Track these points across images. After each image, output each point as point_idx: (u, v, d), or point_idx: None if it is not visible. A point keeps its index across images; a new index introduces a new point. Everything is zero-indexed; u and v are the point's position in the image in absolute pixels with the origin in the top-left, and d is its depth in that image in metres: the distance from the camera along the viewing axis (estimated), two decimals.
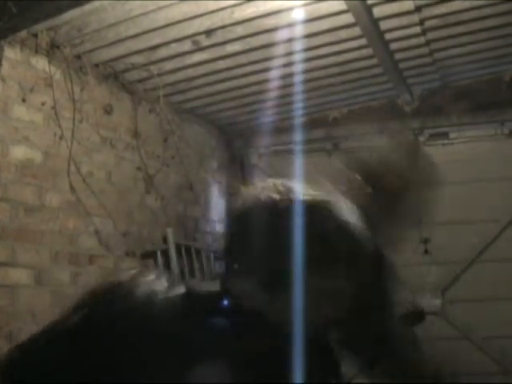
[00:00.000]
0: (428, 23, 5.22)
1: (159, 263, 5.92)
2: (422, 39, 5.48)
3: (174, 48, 5.12)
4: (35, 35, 4.65)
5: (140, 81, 5.67)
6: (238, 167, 7.57)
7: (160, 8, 4.49)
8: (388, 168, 2.42)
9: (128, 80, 5.61)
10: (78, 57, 5.02)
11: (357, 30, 5.09)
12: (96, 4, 4.28)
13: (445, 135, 7.00)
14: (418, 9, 4.93)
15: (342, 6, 4.66)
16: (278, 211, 1.64)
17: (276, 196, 1.68)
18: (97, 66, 5.26)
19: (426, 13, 5.03)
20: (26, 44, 4.61)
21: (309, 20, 4.83)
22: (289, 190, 1.71)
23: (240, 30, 4.93)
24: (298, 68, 5.40)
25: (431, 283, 6.88)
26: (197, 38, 4.98)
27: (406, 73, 6.28)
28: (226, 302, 1.71)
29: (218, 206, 7.25)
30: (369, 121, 7.01)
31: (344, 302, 1.64)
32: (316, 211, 1.66)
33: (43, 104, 4.74)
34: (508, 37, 5.67)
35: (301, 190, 1.72)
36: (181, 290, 1.74)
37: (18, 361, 1.81)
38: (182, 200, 6.50)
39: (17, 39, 4.52)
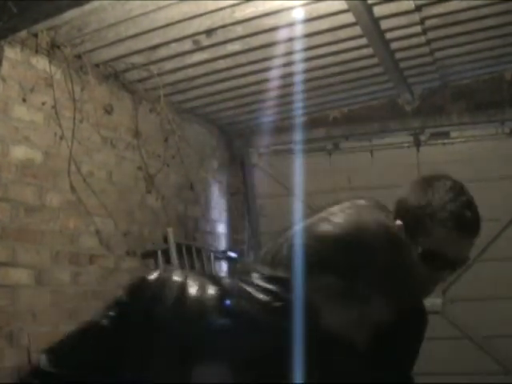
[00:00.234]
0: (428, 22, 5.21)
1: (160, 263, 5.93)
2: (422, 38, 5.48)
3: (174, 48, 5.12)
4: (35, 35, 4.64)
5: (140, 80, 5.67)
6: (238, 167, 7.57)
7: (160, 8, 4.49)
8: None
9: (128, 80, 5.61)
10: (79, 57, 5.02)
11: (357, 30, 5.09)
12: (96, 4, 4.28)
13: (445, 134, 7.00)
14: (418, 8, 4.93)
15: (342, 5, 4.66)
16: (393, 237, 1.71)
17: (385, 220, 1.74)
18: (97, 65, 5.26)
19: (427, 12, 5.03)
20: (27, 44, 4.61)
21: (309, 19, 4.83)
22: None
23: (240, 30, 4.93)
24: (299, 68, 5.40)
25: None
26: (197, 37, 4.98)
27: (407, 72, 6.28)
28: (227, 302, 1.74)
29: (218, 206, 7.26)
30: (369, 120, 7.04)
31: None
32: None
33: (43, 104, 4.74)
34: (507, 36, 5.67)
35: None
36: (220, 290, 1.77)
37: (55, 359, 1.82)
38: (183, 200, 6.51)
39: (17, 39, 4.51)
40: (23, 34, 4.53)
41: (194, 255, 6.40)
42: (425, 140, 7.03)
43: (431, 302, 6.80)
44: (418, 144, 7.01)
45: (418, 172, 6.87)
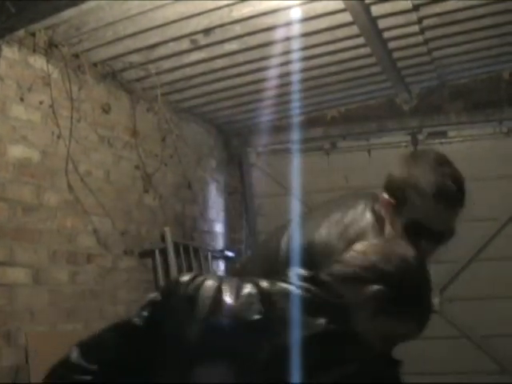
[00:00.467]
0: (426, 22, 5.22)
1: (157, 262, 5.93)
2: (420, 38, 5.48)
3: (172, 47, 5.11)
4: (33, 34, 4.64)
5: (138, 80, 5.66)
6: (236, 166, 7.57)
7: (158, 7, 4.49)
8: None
9: (126, 79, 5.61)
10: (76, 56, 5.02)
11: (354, 29, 5.09)
12: (94, 3, 4.27)
13: (443, 134, 7.01)
14: (415, 7, 4.93)
15: (340, 4, 4.66)
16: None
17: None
18: (95, 64, 5.26)
19: (424, 11, 5.03)
20: (24, 43, 4.60)
21: (306, 19, 4.83)
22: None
23: (238, 29, 4.93)
24: (296, 67, 5.40)
25: None
26: (195, 36, 4.98)
27: (404, 71, 6.28)
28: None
29: (216, 205, 7.26)
30: (367, 120, 7.04)
31: None
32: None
33: (41, 103, 4.74)
34: (505, 36, 5.68)
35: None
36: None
37: (86, 353, 1.84)
38: (180, 199, 6.51)
39: (15, 38, 4.51)
40: (21, 33, 4.52)
41: (192, 254, 6.40)
42: (422, 139, 7.03)
43: None
44: (415, 143, 7.00)
45: None
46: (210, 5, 4.55)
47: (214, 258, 7.01)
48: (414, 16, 5.05)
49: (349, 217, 2.44)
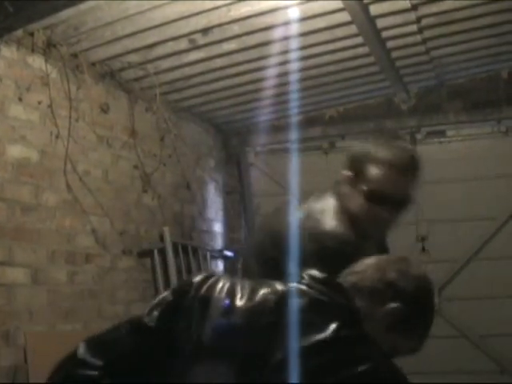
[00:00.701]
0: (424, 21, 5.22)
1: (156, 262, 5.93)
2: (418, 37, 5.49)
3: (171, 46, 5.11)
4: (31, 34, 4.63)
5: (136, 79, 5.66)
6: (234, 166, 7.57)
7: (156, 7, 4.49)
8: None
9: (124, 79, 5.61)
10: (75, 55, 5.01)
11: (353, 28, 5.09)
12: (92, 3, 4.27)
13: (442, 133, 7.01)
14: (414, 7, 4.93)
15: (338, 4, 4.66)
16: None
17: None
18: (93, 64, 5.25)
19: (423, 11, 5.04)
20: (23, 43, 4.60)
21: (305, 18, 4.83)
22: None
23: (236, 29, 4.93)
24: (295, 66, 5.40)
25: None
26: (193, 36, 4.98)
27: (403, 71, 6.28)
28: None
29: (214, 205, 7.26)
30: (365, 119, 7.04)
31: None
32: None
33: (40, 103, 4.74)
34: (504, 35, 5.68)
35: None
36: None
37: (94, 349, 1.85)
38: (179, 199, 6.51)
39: (13, 38, 4.51)
40: (19, 32, 4.52)
41: (191, 254, 6.40)
42: (421, 139, 7.03)
43: None
44: (414, 143, 7.00)
45: None
46: (209, 4, 4.55)
47: (213, 257, 7.01)
48: (412, 15, 5.05)
49: (317, 204, 2.72)
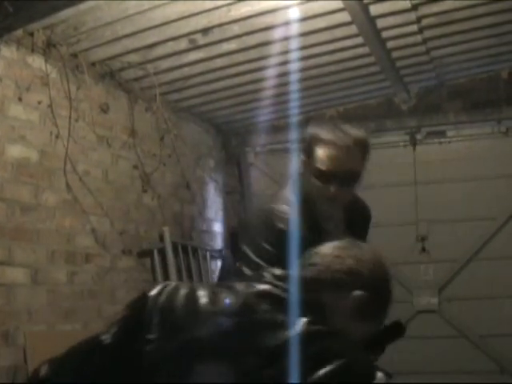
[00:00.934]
0: (425, 21, 5.22)
1: (156, 262, 5.93)
2: (418, 37, 5.48)
3: (171, 46, 5.11)
4: (31, 34, 4.63)
5: (136, 79, 5.66)
6: (234, 166, 7.56)
7: (156, 7, 4.49)
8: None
9: (124, 79, 5.61)
10: (75, 55, 5.01)
11: (353, 29, 5.08)
12: (92, 3, 4.27)
13: (442, 133, 7.01)
14: (414, 7, 4.93)
15: (339, 4, 4.66)
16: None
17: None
18: (93, 64, 5.25)
19: (423, 11, 5.04)
20: (22, 43, 4.60)
21: (305, 18, 4.83)
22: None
23: (236, 29, 4.93)
24: (295, 66, 5.39)
25: (428, 281, 6.89)
26: (193, 36, 4.98)
27: (403, 71, 6.28)
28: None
29: (214, 205, 7.26)
30: (366, 119, 7.03)
31: None
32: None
33: (39, 103, 4.73)
34: (504, 35, 5.68)
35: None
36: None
37: (56, 371, 1.86)
38: (179, 199, 6.50)
39: (13, 38, 4.50)
40: (19, 32, 4.52)
41: (190, 254, 6.40)
42: (421, 139, 7.04)
43: (427, 300, 6.83)
44: (414, 143, 7.01)
45: (414, 171, 6.89)
46: (209, 4, 4.55)
47: (213, 257, 7.00)
48: (412, 15, 5.05)
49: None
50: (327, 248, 1.97)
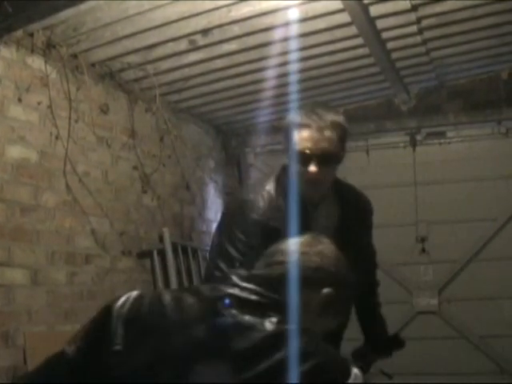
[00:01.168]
0: (425, 22, 5.22)
1: (155, 263, 5.92)
2: (418, 38, 5.48)
3: (171, 47, 5.11)
4: (31, 35, 4.63)
5: (136, 80, 5.66)
6: (234, 167, 7.56)
7: (156, 7, 4.48)
8: None
9: (124, 79, 5.60)
10: (74, 56, 5.01)
11: (353, 29, 5.08)
12: (92, 3, 4.26)
13: (442, 134, 7.01)
14: (414, 8, 4.93)
15: (338, 5, 4.65)
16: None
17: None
18: (93, 65, 5.25)
19: (423, 12, 5.03)
20: (22, 43, 4.59)
21: (305, 19, 4.83)
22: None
23: (236, 29, 4.93)
24: (295, 67, 5.39)
25: (428, 282, 6.90)
26: (193, 37, 4.97)
27: (403, 72, 6.28)
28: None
29: (214, 206, 7.25)
30: (366, 120, 7.03)
31: None
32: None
33: (39, 104, 4.73)
34: (504, 36, 5.68)
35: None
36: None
37: None
38: (179, 199, 6.50)
39: (12, 39, 4.50)
40: (19, 33, 4.51)
41: (190, 255, 6.39)
42: (421, 140, 7.04)
43: (427, 301, 6.83)
44: (414, 144, 7.01)
45: (414, 172, 6.89)
46: (209, 5, 4.55)
47: None
48: (412, 16, 5.05)
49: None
50: (292, 245, 1.97)
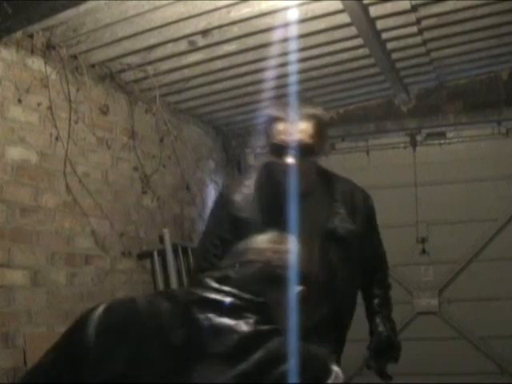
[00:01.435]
0: (424, 23, 5.21)
1: (156, 263, 5.92)
2: (418, 39, 5.48)
3: (171, 48, 5.11)
4: (31, 36, 4.63)
5: (136, 81, 5.65)
6: (234, 167, 7.56)
7: (156, 8, 4.48)
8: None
9: (124, 80, 5.60)
10: (74, 57, 5.01)
11: (353, 30, 5.08)
12: (92, 4, 4.26)
13: (442, 135, 7.01)
14: (414, 8, 4.93)
15: (338, 5, 4.65)
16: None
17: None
18: (93, 66, 5.25)
19: (423, 12, 5.03)
20: (22, 45, 4.59)
21: (305, 20, 4.83)
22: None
23: (236, 30, 4.93)
24: (295, 68, 5.39)
25: (429, 283, 6.89)
26: (193, 38, 4.97)
27: (403, 72, 6.28)
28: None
29: None
30: (366, 120, 7.03)
31: None
32: None
33: (39, 105, 4.73)
34: (504, 36, 5.68)
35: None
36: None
37: None
38: (179, 200, 6.50)
39: (12, 40, 4.50)
40: (18, 34, 4.51)
41: (190, 256, 6.39)
42: (421, 140, 7.03)
43: (428, 302, 6.82)
44: (414, 144, 7.01)
45: (414, 172, 6.89)
46: (209, 6, 4.55)
47: None
48: (412, 17, 5.05)
49: None
50: (261, 243, 1.96)
